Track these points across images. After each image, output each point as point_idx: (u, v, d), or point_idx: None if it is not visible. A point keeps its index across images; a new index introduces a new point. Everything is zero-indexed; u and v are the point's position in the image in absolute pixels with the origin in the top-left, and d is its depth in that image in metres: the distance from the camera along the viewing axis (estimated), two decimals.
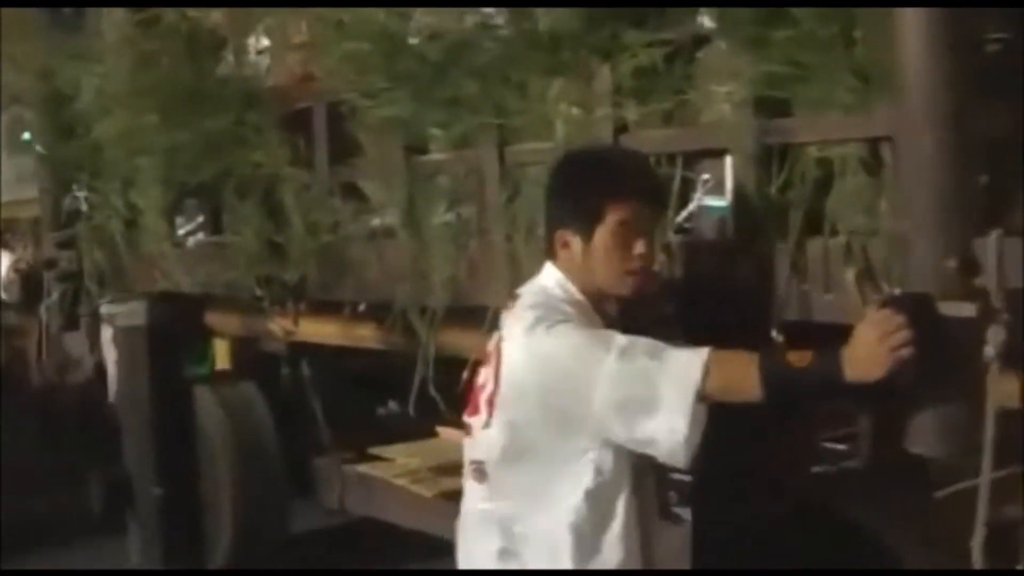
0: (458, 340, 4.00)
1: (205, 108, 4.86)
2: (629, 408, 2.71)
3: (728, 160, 3.25)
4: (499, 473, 2.93)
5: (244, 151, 4.78)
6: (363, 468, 5.92)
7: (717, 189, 3.30)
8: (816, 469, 3.71)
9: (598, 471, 2.81)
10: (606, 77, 3.46)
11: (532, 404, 2.83)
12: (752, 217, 3.15)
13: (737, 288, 3.14)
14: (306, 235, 4.52)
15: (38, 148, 6.31)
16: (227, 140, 4.81)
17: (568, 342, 2.79)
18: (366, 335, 4.54)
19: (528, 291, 3.01)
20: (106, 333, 6.53)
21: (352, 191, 4.54)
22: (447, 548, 3.17)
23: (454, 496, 5.30)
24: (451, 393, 4.28)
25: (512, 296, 3.04)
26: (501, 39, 3.65)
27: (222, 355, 6.73)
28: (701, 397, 2.67)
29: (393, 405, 6.97)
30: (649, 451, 2.76)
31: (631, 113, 3.40)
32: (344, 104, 4.29)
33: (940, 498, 3.07)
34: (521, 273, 3.71)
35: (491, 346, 3.00)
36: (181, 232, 5.55)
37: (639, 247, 2.87)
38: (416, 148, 4.14)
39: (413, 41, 3.91)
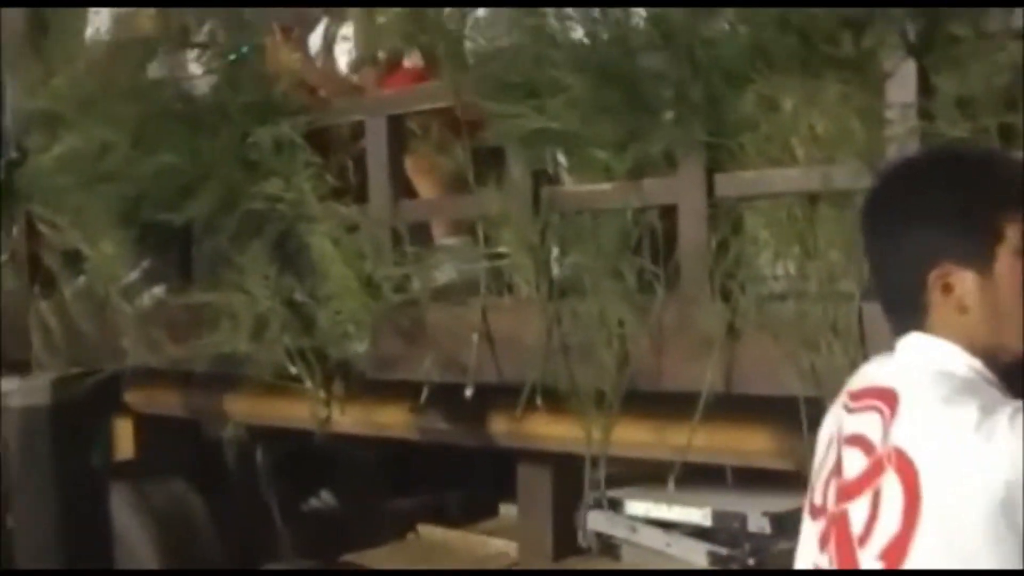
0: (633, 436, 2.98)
1: (196, 122, 3.67)
2: None
3: None
4: None
5: (252, 179, 3.62)
6: None
7: None
8: None
9: None
10: (909, 78, 2.51)
11: (997, 548, 1.81)
12: None
13: None
14: (363, 293, 3.38)
15: None
16: (227, 164, 3.63)
17: None
18: (472, 430, 3.41)
19: (905, 376, 2.00)
20: None
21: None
22: None
23: None
24: None
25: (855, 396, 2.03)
26: (735, 23, 2.65)
27: (125, 440, 5.40)
28: None
29: (327, 496, 5.83)
30: None
31: (957, 129, 2.45)
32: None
33: None
34: (743, 344, 2.75)
35: (862, 468, 1.98)
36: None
37: None
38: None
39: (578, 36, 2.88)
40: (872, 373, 2.04)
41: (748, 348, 2.75)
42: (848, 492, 1.94)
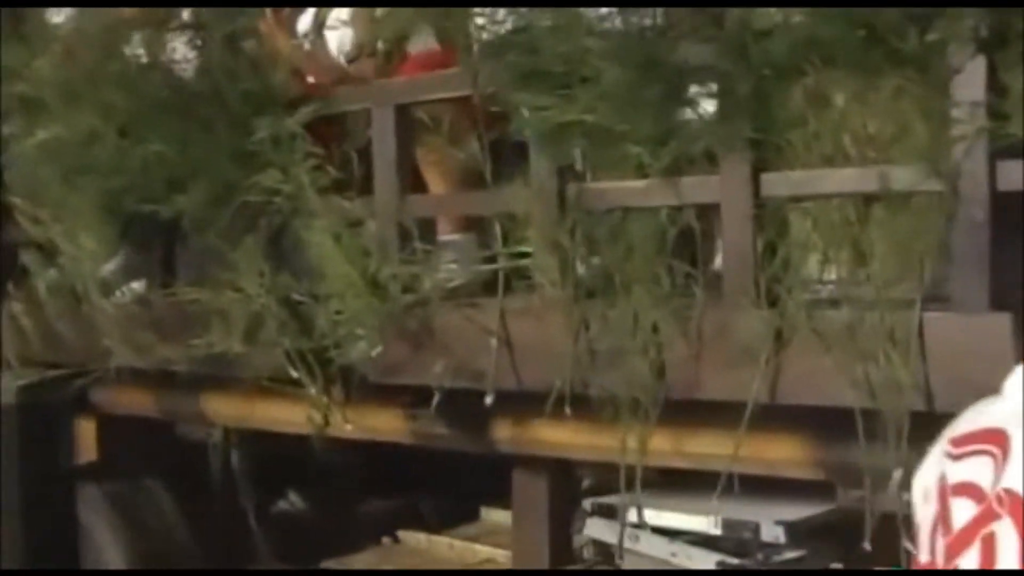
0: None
1: (188, 110, 3.46)
2: None
3: None
4: None
5: (247, 170, 3.42)
6: None
7: None
8: None
9: None
10: (978, 75, 2.37)
11: None
12: None
13: None
14: (368, 293, 3.20)
15: None
16: (221, 155, 3.43)
17: None
18: (483, 437, 3.24)
19: (1015, 415, 1.84)
20: None
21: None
22: None
23: None
24: None
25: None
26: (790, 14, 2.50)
27: (87, 441, 5.15)
28: None
29: (295, 498, 5.62)
30: None
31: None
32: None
33: None
34: (790, 352, 2.61)
35: (970, 516, 1.82)
36: None
37: None
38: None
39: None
40: (976, 417, 1.88)
41: (796, 357, 2.60)
42: (957, 547, 1.78)
